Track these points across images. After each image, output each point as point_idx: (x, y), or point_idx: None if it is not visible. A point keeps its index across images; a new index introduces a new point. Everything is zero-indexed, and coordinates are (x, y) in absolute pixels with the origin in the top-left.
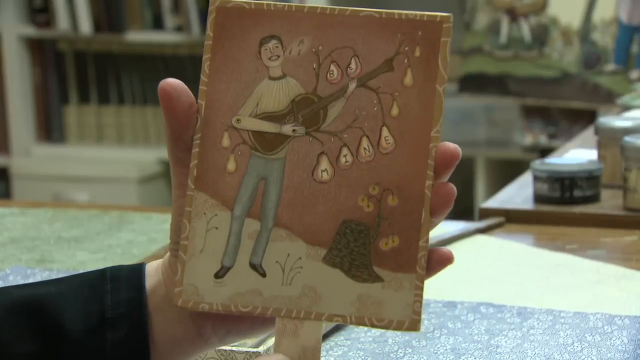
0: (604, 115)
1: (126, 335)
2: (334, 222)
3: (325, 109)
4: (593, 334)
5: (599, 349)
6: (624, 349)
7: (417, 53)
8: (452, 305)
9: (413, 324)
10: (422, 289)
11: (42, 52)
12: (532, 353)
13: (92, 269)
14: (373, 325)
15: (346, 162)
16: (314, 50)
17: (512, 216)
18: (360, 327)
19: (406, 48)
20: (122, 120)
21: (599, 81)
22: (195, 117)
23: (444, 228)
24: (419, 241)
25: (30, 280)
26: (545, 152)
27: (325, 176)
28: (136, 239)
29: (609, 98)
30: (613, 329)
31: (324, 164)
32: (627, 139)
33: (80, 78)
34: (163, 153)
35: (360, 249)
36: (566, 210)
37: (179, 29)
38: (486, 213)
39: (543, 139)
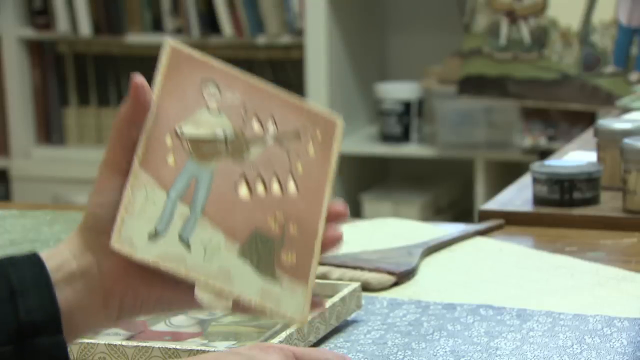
0: (604, 117)
1: (36, 302)
2: (249, 227)
3: (248, 146)
4: (592, 336)
5: (599, 351)
6: (623, 351)
7: (318, 135)
8: (451, 307)
9: (302, 321)
10: (310, 295)
11: (41, 54)
12: (532, 355)
13: None
14: (271, 315)
15: (261, 192)
16: (243, 104)
17: (511, 218)
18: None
19: (311, 128)
20: None
21: (598, 83)
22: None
23: (444, 230)
24: (310, 264)
25: None
26: (544, 154)
27: (243, 196)
28: None
29: (609, 100)
30: (612, 331)
31: (244, 185)
32: (627, 141)
33: (80, 80)
34: None
35: (266, 254)
36: (566, 213)
37: (179, 30)
38: (486, 215)
39: (542, 141)
